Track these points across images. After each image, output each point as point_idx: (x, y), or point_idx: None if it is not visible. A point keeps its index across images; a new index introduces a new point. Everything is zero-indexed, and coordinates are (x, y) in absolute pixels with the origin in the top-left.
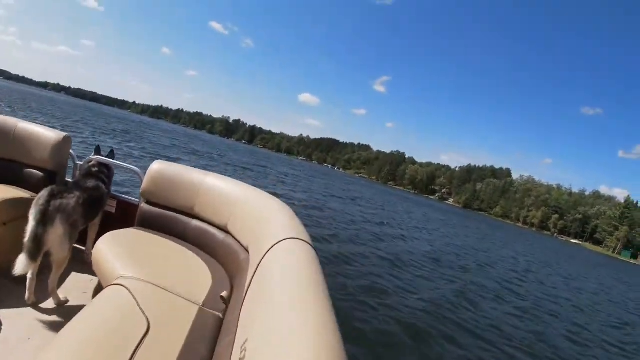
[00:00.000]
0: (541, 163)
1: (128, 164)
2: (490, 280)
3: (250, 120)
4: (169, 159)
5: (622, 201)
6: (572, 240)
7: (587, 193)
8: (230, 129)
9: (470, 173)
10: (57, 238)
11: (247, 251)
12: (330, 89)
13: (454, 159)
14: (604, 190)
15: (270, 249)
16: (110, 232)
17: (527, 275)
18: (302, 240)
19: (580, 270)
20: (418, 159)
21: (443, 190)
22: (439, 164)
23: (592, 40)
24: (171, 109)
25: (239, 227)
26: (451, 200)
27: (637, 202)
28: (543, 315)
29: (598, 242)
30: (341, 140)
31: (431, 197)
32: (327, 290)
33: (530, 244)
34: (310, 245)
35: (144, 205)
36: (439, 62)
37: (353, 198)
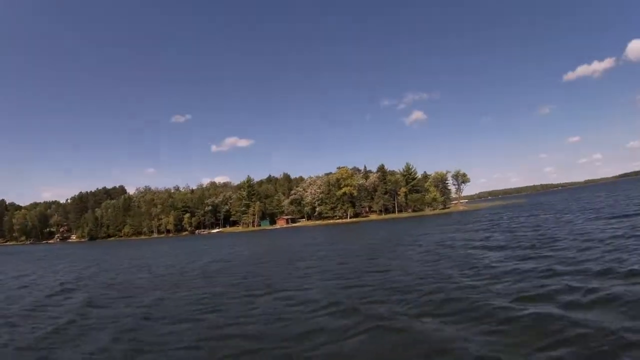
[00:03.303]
0: (145, 174)
1: None
2: None
3: None
4: None
5: (237, 183)
6: (213, 231)
7: (205, 185)
8: None
9: (84, 201)
10: None
11: None
12: None
13: (59, 193)
14: (205, 181)
15: None
16: None
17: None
18: None
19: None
20: (22, 203)
21: (62, 229)
22: (46, 202)
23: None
24: None
25: None
26: (74, 237)
27: (250, 179)
28: None
29: (236, 223)
30: None
31: (50, 241)
32: None
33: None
34: None
35: None
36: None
37: None
